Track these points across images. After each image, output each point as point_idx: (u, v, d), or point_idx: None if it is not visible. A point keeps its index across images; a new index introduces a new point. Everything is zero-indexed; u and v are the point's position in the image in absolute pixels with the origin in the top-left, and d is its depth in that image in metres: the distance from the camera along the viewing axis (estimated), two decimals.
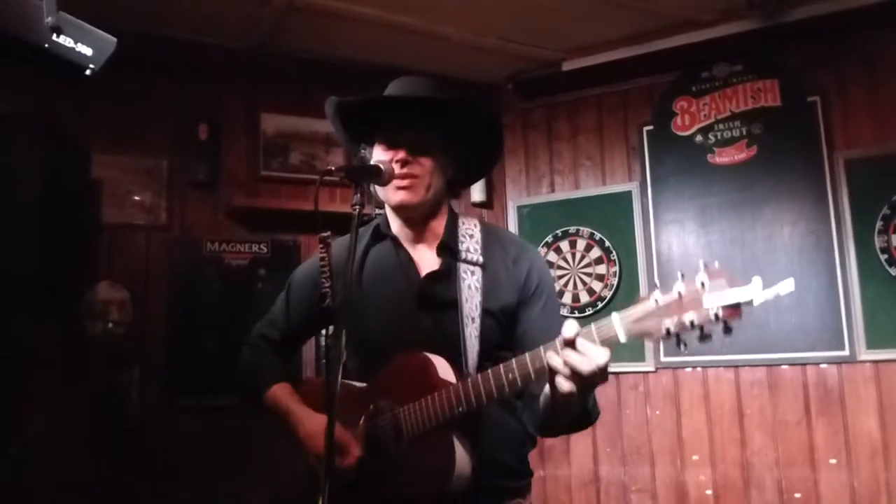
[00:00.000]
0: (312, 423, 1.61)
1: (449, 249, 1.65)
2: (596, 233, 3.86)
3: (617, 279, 3.77)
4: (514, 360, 1.35)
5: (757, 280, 1.12)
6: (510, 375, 1.35)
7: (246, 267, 3.52)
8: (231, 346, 3.49)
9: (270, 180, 3.66)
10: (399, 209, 1.66)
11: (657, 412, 3.64)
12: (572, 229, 3.93)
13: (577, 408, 1.43)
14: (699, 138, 3.71)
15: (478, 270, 1.62)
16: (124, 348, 3.22)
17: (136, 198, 3.35)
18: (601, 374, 1.26)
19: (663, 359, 3.63)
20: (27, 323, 2.90)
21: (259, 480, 3.36)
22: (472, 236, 1.68)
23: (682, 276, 1.19)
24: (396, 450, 1.48)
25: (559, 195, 4.03)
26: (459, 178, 1.75)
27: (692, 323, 1.16)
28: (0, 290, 2.39)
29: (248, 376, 1.85)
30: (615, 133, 3.95)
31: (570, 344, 1.25)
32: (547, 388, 1.40)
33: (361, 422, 1.55)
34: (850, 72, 3.47)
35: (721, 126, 3.67)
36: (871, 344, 3.24)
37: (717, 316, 1.15)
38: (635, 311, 1.23)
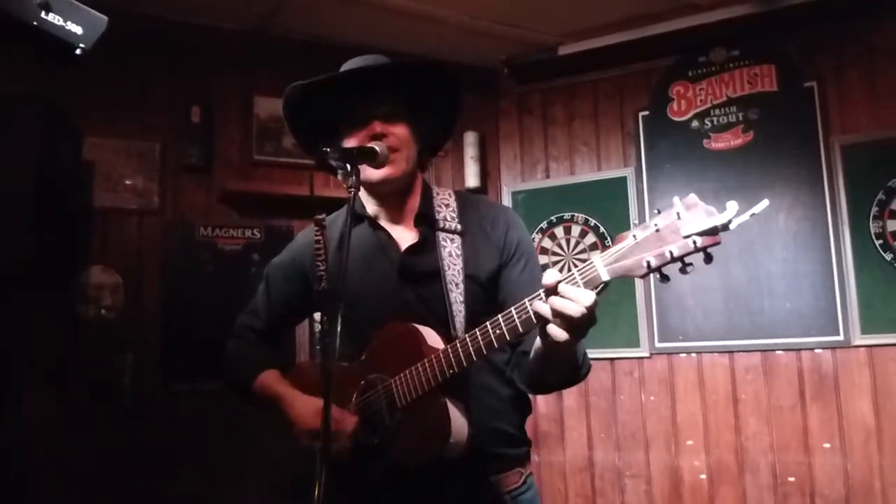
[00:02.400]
0: (303, 405, 1.61)
1: (426, 220, 1.65)
2: (591, 219, 3.85)
3: None
4: (499, 316, 1.35)
5: (732, 204, 1.12)
6: (497, 331, 1.34)
7: (239, 252, 3.50)
8: (225, 331, 3.49)
9: (264, 165, 3.63)
10: (382, 184, 1.61)
11: (652, 398, 3.64)
12: (567, 215, 3.92)
13: (569, 362, 1.45)
14: (695, 124, 3.69)
15: (457, 238, 1.62)
16: (117, 333, 3.20)
17: (129, 181, 3.31)
18: (590, 317, 1.24)
19: (658, 344, 3.63)
20: (19, 307, 2.87)
21: (255, 465, 3.36)
22: (447, 205, 1.68)
23: (658, 210, 1.19)
24: (391, 420, 1.48)
25: (554, 181, 4.02)
26: (426, 148, 1.72)
27: (672, 254, 1.16)
28: None
29: (235, 367, 1.85)
30: (611, 118, 3.93)
31: (553, 291, 1.25)
32: (538, 342, 1.40)
33: (353, 398, 1.54)
34: (848, 57, 3.45)
35: (717, 111, 3.65)
36: (866, 329, 3.25)
37: (695, 244, 1.14)
38: (615, 249, 1.22)
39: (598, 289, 1.25)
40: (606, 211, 3.83)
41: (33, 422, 2.95)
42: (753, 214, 1.13)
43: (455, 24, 3.53)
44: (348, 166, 1.43)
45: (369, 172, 1.54)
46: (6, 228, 2.32)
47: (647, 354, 3.66)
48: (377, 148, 1.51)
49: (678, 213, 1.16)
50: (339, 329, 1.29)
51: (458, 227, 1.64)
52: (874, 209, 3.29)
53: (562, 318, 1.24)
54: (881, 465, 3.19)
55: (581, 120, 4.00)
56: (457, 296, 1.56)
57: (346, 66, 1.68)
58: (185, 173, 3.44)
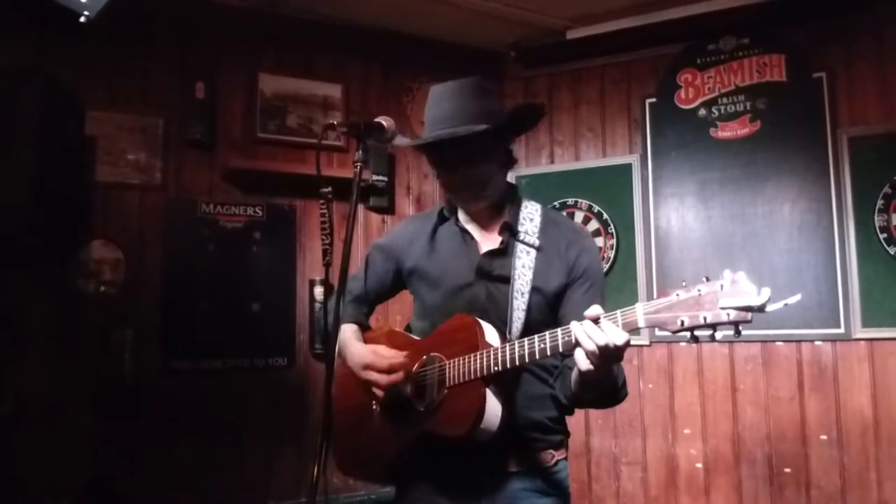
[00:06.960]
0: (364, 356, 1.81)
1: (510, 229, 1.82)
2: (594, 205, 3.84)
3: (614, 252, 3.76)
4: (547, 333, 1.52)
5: (766, 290, 1.24)
6: (542, 345, 1.52)
7: (241, 229, 3.49)
8: (225, 309, 3.47)
9: (267, 142, 3.60)
10: (477, 211, 1.86)
11: (650, 386, 3.65)
12: (571, 201, 3.90)
13: (603, 384, 1.59)
14: (702, 112, 3.67)
15: (533, 252, 1.79)
16: (117, 309, 3.19)
17: (131, 156, 3.30)
18: (617, 353, 1.40)
19: (658, 333, 3.62)
20: (21, 281, 2.86)
21: (254, 443, 3.37)
22: (531, 220, 1.85)
23: (707, 278, 1.31)
24: (438, 395, 1.69)
25: (558, 166, 4.00)
26: (511, 155, 1.91)
27: (705, 320, 1.29)
28: None
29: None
30: (617, 104, 3.91)
31: (594, 322, 1.41)
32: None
33: (414, 367, 1.78)
34: (858, 48, 3.42)
35: (725, 100, 3.63)
36: (867, 322, 3.25)
37: (728, 316, 1.26)
38: (657, 302, 1.36)
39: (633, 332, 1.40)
40: (611, 198, 3.82)
41: (32, 395, 2.95)
42: (787, 304, 1.25)
43: (464, 6, 3.50)
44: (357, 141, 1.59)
45: (463, 204, 1.86)
46: (8, 201, 2.31)
47: (646, 343, 3.66)
48: (384, 123, 1.64)
49: (722, 285, 1.28)
50: (342, 302, 1.46)
51: (537, 242, 1.80)
52: (880, 202, 3.27)
53: (587, 344, 1.39)
54: (877, 458, 3.20)
55: (587, 105, 3.97)
56: (520, 304, 1.73)
57: (431, 98, 1.83)
58: (188, 149, 3.42)
